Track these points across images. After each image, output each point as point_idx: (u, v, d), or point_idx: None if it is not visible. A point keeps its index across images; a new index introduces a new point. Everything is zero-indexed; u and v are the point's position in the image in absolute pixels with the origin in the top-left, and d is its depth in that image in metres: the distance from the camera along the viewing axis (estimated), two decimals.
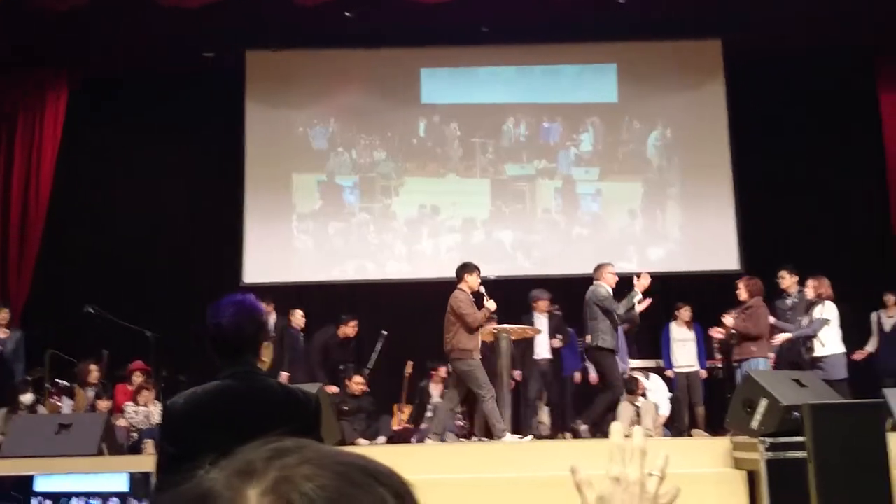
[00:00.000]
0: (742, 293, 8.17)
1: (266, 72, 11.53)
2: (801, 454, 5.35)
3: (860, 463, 5.24)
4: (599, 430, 7.70)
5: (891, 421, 6.17)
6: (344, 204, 11.54)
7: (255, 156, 11.32)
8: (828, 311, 8.08)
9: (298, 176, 11.51)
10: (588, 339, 8.17)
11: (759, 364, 7.78)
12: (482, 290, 7.80)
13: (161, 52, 10.83)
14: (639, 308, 8.19)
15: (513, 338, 8.02)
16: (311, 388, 6.06)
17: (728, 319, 8.26)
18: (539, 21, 10.83)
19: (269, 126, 11.46)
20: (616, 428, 1.10)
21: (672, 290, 10.68)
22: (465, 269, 7.87)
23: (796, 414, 5.48)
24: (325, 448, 0.75)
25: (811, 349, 8.10)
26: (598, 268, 8.31)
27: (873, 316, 9.56)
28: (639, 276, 8.22)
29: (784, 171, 11.37)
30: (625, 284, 10.61)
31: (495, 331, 7.84)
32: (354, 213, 11.54)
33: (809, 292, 8.23)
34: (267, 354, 2.21)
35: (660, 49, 11.69)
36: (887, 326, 9.33)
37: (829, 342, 8.06)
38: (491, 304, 7.66)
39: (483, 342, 7.91)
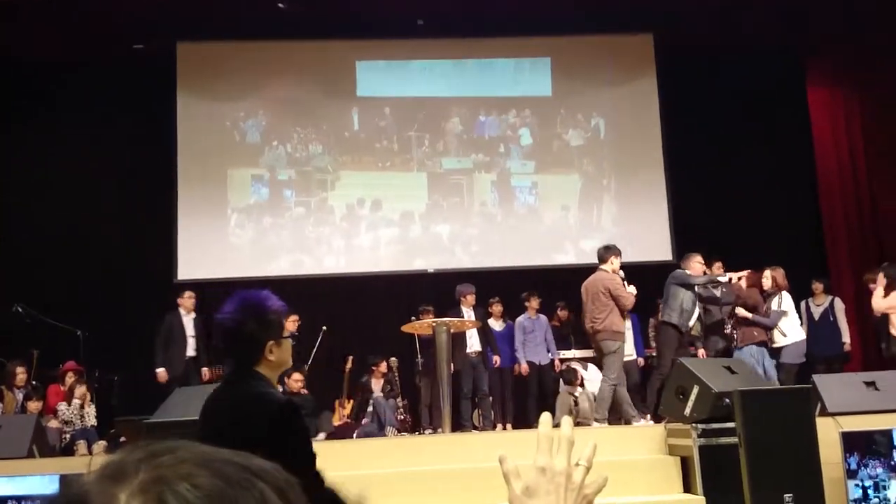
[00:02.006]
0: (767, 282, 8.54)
1: (198, 64, 11.40)
2: (733, 440, 5.47)
3: (790, 447, 5.36)
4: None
5: (819, 406, 6.37)
6: (279, 198, 11.47)
7: (187, 150, 11.19)
8: (785, 302, 8.47)
9: (233, 170, 11.41)
10: (659, 315, 8.54)
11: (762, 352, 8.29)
12: (621, 273, 7.99)
13: (90, 44, 10.64)
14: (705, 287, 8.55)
15: (452, 331, 8.10)
16: None
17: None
18: (474, 14, 10.93)
19: (201, 119, 11.34)
20: (545, 419, 1.10)
21: None
22: (611, 251, 8.02)
23: (727, 400, 5.63)
24: (202, 447, 0.73)
25: (772, 340, 8.47)
26: (687, 257, 8.59)
27: (802, 304, 9.87)
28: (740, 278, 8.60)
29: (715, 164, 11.67)
30: (559, 276, 10.84)
31: (434, 324, 7.90)
32: (290, 208, 11.49)
33: (767, 283, 8.54)
34: (278, 354, 2.11)
35: (593, 43, 11.88)
36: (816, 314, 9.64)
37: (790, 331, 8.46)
38: (632, 289, 7.89)
39: (420, 336, 7.97)
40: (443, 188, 11.67)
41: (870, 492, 5.50)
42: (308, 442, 2.47)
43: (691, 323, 8.35)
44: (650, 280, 10.29)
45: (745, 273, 8.68)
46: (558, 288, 10.43)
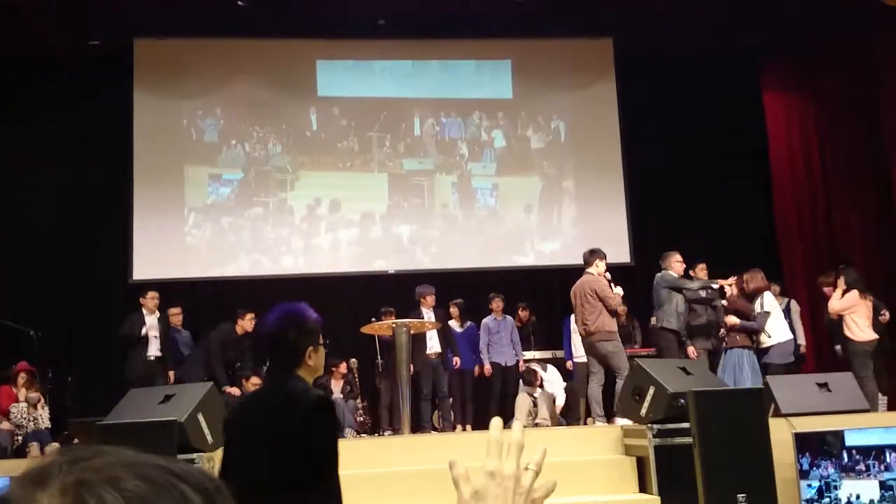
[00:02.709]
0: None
1: (155, 61, 11.29)
2: (688, 440, 5.54)
3: (743, 448, 5.43)
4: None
5: (773, 407, 6.49)
6: (237, 198, 11.40)
7: (144, 148, 11.09)
8: (767, 303, 8.62)
9: (190, 169, 11.33)
10: (653, 320, 8.62)
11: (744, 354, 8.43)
12: (608, 275, 8.15)
13: (46, 40, 10.51)
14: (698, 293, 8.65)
15: (412, 332, 8.14)
16: (204, 387, 6.05)
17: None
18: (436, 16, 10.98)
19: (158, 117, 11.24)
20: (495, 423, 1.10)
21: (570, 283, 11.02)
22: (595, 254, 8.22)
23: (682, 401, 5.71)
24: (125, 451, 0.73)
25: (759, 342, 8.63)
26: (666, 257, 8.71)
27: (757, 305, 10.04)
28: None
29: (673, 168, 11.84)
30: (520, 277, 10.93)
31: (394, 325, 7.93)
32: (248, 208, 11.42)
33: (742, 286, 8.77)
34: (316, 358, 2.41)
35: (554, 46, 11.99)
36: None
37: (775, 332, 8.60)
38: (619, 290, 8.05)
39: (381, 337, 7.98)
40: (403, 189, 11.70)
41: (821, 492, 5.61)
42: (335, 438, 2.73)
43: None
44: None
45: (733, 280, 8.80)
46: (518, 289, 10.52)
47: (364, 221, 11.53)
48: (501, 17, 11.09)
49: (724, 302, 8.76)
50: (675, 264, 8.61)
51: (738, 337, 8.54)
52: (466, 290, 10.30)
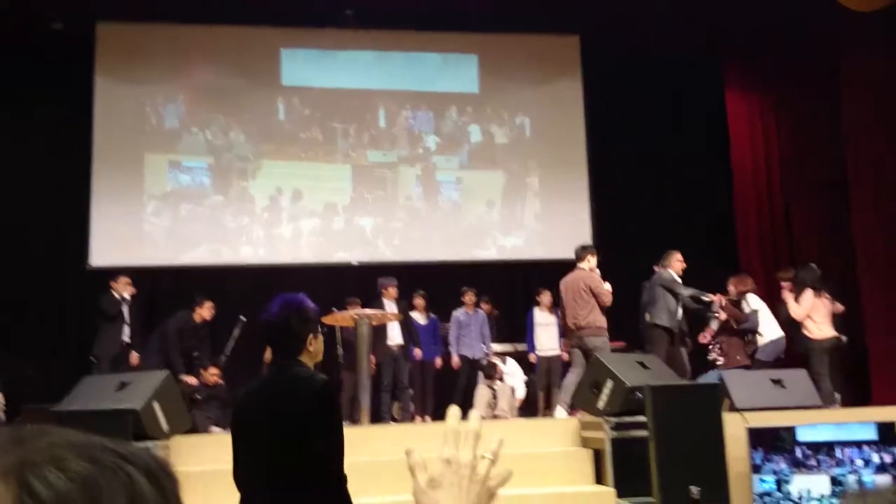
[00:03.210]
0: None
1: (118, 45, 11.18)
2: (644, 433, 5.67)
3: (698, 442, 5.55)
4: None
5: (727, 401, 6.61)
6: (197, 186, 11.33)
7: (104, 133, 10.98)
8: (752, 302, 8.81)
9: (150, 155, 11.24)
10: (647, 317, 8.74)
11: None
12: (598, 271, 8.27)
13: (6, 22, 10.36)
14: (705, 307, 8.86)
15: (373, 323, 8.17)
16: (160, 376, 6.05)
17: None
18: (403, 7, 10.99)
19: (120, 102, 11.13)
20: (453, 412, 1.13)
21: (532, 276, 11.20)
22: (587, 250, 8.37)
23: (639, 395, 5.81)
24: (70, 432, 0.73)
25: (754, 342, 8.82)
26: (667, 255, 8.87)
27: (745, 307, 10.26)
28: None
29: (637, 164, 11.99)
30: (485, 270, 11.00)
31: (356, 316, 7.95)
32: (208, 196, 11.36)
33: (732, 290, 8.96)
34: (316, 345, 2.64)
35: (520, 42, 12.07)
36: None
37: (766, 330, 8.77)
38: (608, 286, 8.18)
39: (342, 328, 8.00)
40: (367, 181, 11.71)
41: (773, 486, 5.73)
42: (341, 418, 2.94)
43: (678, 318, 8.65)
44: None
45: (720, 298, 8.98)
46: (480, 283, 10.60)
47: (327, 212, 11.52)
48: (469, 12, 11.14)
49: (720, 315, 8.91)
50: (675, 263, 8.77)
51: (737, 357, 8.69)
52: (430, 282, 10.35)
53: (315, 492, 2.76)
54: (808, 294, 8.58)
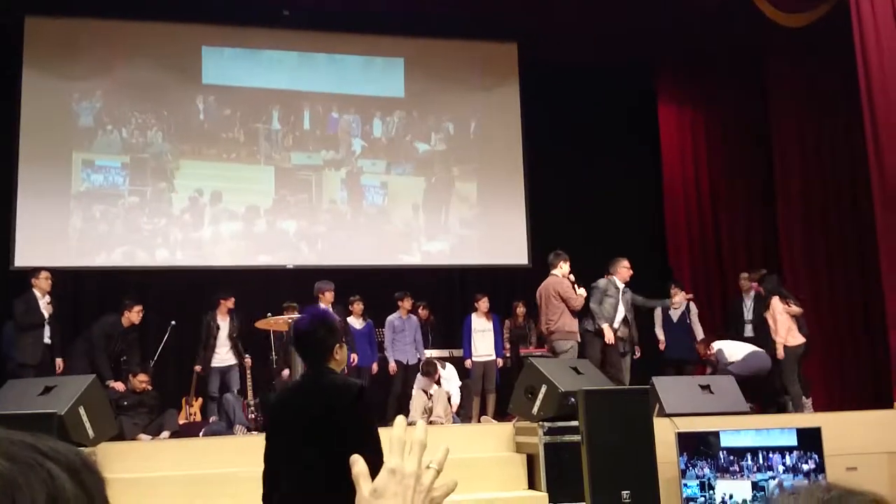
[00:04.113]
0: None
1: (46, 40, 11.02)
2: (576, 438, 5.84)
3: (629, 446, 5.75)
4: None
5: (658, 407, 6.84)
6: (110, 186, 11.18)
7: (29, 131, 10.82)
8: (715, 346, 9.26)
9: (67, 154, 11.05)
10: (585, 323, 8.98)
11: None
12: (572, 277, 8.58)
13: None
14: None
15: None
16: (86, 380, 5.99)
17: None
18: (329, 9, 11.06)
19: (46, 98, 10.99)
20: (399, 421, 1.14)
21: (468, 283, 11.41)
22: (559, 257, 8.70)
23: (572, 399, 5.98)
24: None
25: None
26: (614, 262, 9.11)
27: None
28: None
29: (571, 173, 12.32)
30: (417, 275, 11.10)
31: (290, 320, 7.99)
32: (123, 196, 11.21)
33: (701, 350, 9.66)
34: (341, 353, 3.07)
35: (454, 48, 12.25)
36: (674, 317, 10.36)
37: (734, 354, 9.05)
38: (582, 291, 8.53)
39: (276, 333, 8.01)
40: (291, 183, 11.72)
41: (696, 491, 5.95)
42: (375, 417, 3.31)
43: (616, 325, 8.88)
44: (503, 283, 10.85)
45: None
46: (412, 287, 10.74)
47: (248, 215, 11.48)
48: (399, 16, 11.28)
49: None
50: (622, 270, 9.05)
51: None
52: (362, 287, 10.41)
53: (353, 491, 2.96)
54: (776, 304, 9.04)
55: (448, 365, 9.98)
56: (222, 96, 11.66)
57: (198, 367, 9.30)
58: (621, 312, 8.93)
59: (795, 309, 9.10)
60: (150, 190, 11.31)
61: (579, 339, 8.63)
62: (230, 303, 9.50)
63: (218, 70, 11.68)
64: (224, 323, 9.48)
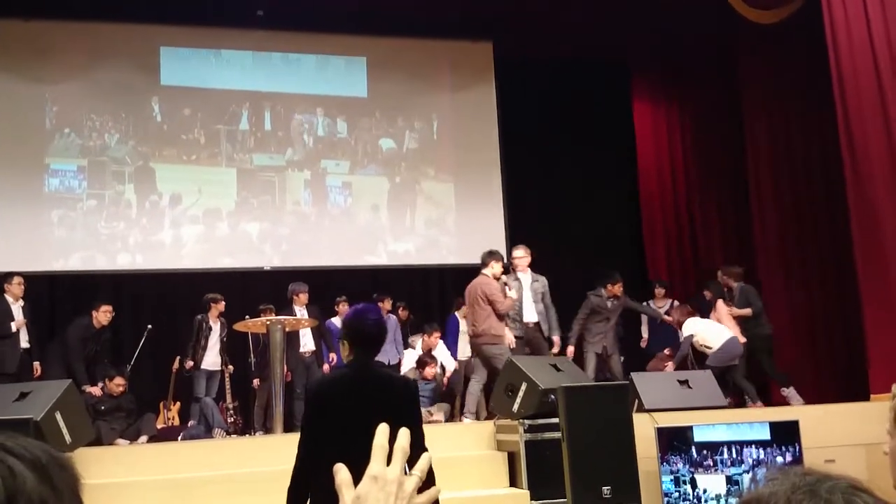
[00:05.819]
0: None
1: (11, 41, 11.18)
2: (557, 434, 6.08)
3: (609, 442, 5.98)
4: None
5: (637, 403, 7.13)
6: (67, 190, 11.31)
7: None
8: (687, 328, 9.47)
9: (28, 158, 11.19)
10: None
11: None
12: (504, 278, 8.50)
13: None
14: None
15: (287, 329, 8.40)
16: (62, 385, 6.15)
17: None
18: (294, 8, 11.22)
19: (11, 100, 11.16)
20: (381, 428, 1.19)
21: (448, 282, 11.67)
22: (492, 256, 8.52)
23: (553, 397, 6.23)
24: None
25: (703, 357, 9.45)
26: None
27: (644, 305, 10.90)
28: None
29: (549, 172, 12.66)
30: (391, 276, 11.29)
31: (268, 322, 8.18)
32: (81, 200, 11.33)
33: (672, 320, 9.98)
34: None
35: (413, 47, 12.54)
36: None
37: (713, 340, 9.29)
38: (513, 294, 8.45)
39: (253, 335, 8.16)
40: (253, 185, 11.90)
41: (671, 486, 6.21)
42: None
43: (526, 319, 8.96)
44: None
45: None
46: (385, 287, 10.97)
47: (209, 217, 11.63)
48: (365, 15, 11.49)
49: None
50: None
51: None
52: (341, 289, 10.62)
53: None
54: (721, 307, 9.59)
55: (440, 342, 10.16)
56: (181, 97, 11.81)
57: (189, 363, 9.50)
58: (529, 305, 8.85)
59: (738, 311, 9.64)
60: (108, 193, 11.43)
61: (512, 345, 8.41)
62: (220, 306, 9.74)
63: (176, 71, 11.83)
64: (216, 326, 9.73)
